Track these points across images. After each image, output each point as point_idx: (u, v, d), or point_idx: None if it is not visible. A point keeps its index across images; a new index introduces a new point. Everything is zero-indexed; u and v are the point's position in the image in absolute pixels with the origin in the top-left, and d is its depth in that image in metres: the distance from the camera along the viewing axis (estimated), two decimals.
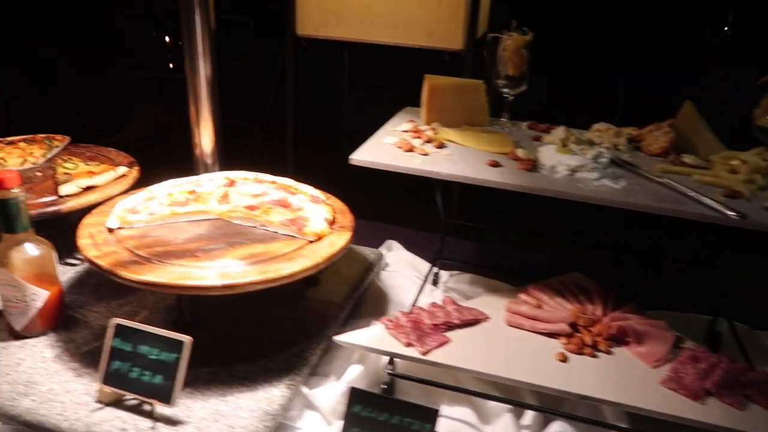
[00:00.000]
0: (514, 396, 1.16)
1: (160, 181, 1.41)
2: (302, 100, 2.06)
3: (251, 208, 1.30)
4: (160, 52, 2.33)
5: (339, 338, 1.17)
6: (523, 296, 1.31)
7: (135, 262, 1.12)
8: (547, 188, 1.15)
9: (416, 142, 1.32)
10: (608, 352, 1.17)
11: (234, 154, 1.63)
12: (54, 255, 1.21)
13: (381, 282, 1.56)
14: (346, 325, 1.36)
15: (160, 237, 1.22)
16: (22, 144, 1.67)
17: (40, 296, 1.18)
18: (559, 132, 1.38)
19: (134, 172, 1.57)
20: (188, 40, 1.49)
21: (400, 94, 1.94)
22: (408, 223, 1.81)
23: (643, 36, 1.66)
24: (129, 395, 1.04)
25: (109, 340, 1.05)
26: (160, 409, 1.02)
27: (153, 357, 1.03)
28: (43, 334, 1.22)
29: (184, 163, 1.61)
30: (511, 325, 1.24)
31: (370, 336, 1.18)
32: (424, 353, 1.14)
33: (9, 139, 1.70)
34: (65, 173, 1.45)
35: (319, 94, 2.07)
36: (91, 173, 1.48)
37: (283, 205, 1.33)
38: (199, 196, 1.36)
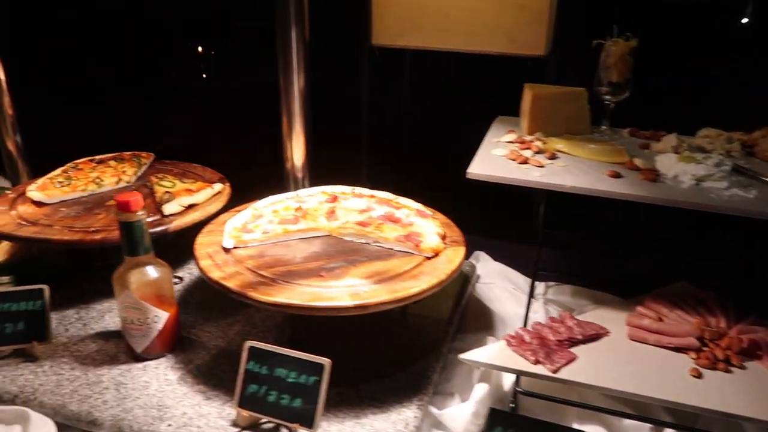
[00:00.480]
0: (644, 413, 1.13)
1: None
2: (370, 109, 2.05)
3: (362, 224, 1.29)
4: (194, 62, 2.32)
5: (464, 357, 1.15)
6: (641, 309, 1.28)
7: (262, 283, 1.11)
8: (680, 200, 1.11)
9: (527, 154, 1.30)
10: (742, 367, 1.14)
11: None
12: (171, 276, 1.20)
13: (478, 294, 1.54)
14: (455, 341, 1.34)
15: (278, 256, 1.21)
16: (112, 162, 1.67)
17: (161, 318, 1.18)
18: (671, 139, 1.34)
19: (227, 189, 1.56)
20: (283, 54, 1.49)
21: (470, 102, 1.93)
22: (485, 232, 1.79)
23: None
24: (266, 419, 1.03)
25: (243, 363, 1.04)
26: None
27: (291, 380, 1.01)
28: (162, 355, 1.22)
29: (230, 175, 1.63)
30: (634, 340, 1.21)
31: (494, 353, 1.15)
32: (555, 371, 1.11)
33: (98, 157, 1.70)
34: (166, 192, 1.45)
35: (388, 103, 2.05)
36: (190, 191, 1.48)
37: (393, 220, 1.31)
38: (306, 212, 1.34)
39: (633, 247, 1.58)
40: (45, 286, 1.21)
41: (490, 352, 1.16)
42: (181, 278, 1.51)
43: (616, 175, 1.20)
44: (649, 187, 1.16)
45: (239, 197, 1.52)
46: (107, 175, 1.57)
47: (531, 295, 1.47)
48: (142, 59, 2.28)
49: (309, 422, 0.99)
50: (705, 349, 1.17)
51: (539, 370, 1.12)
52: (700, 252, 1.56)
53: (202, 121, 2.29)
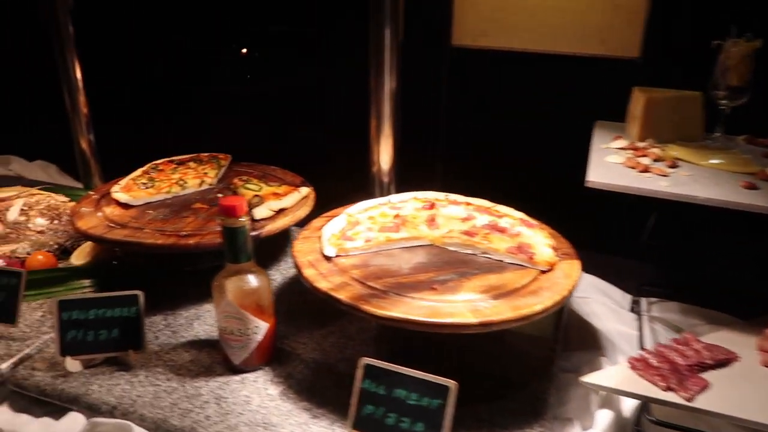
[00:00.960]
0: None
1: None
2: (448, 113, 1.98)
3: (468, 233, 1.21)
4: (237, 65, 2.28)
5: (586, 380, 1.07)
6: None
7: (373, 296, 1.04)
8: None
9: (646, 161, 1.21)
10: None
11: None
12: (271, 284, 1.14)
13: (575, 309, 1.45)
14: (561, 359, 1.25)
15: (383, 266, 1.14)
16: (191, 164, 1.63)
17: (261, 329, 1.12)
18: None
19: (312, 193, 1.50)
20: (376, 54, 1.43)
21: (556, 106, 1.83)
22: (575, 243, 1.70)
23: None
24: None
25: (358, 382, 0.97)
26: None
27: (412, 402, 0.94)
28: (260, 368, 1.16)
29: None
30: None
31: (619, 378, 1.07)
32: (689, 399, 1.02)
33: (178, 158, 1.66)
34: (255, 195, 1.39)
35: (467, 107, 1.97)
36: (278, 195, 1.42)
37: (499, 230, 1.24)
38: (405, 220, 1.28)
39: (747, 263, 1.48)
40: (140, 292, 1.16)
41: (614, 376, 1.08)
42: None
43: (752, 187, 1.11)
44: None
45: None
46: (189, 177, 1.52)
47: (638, 311, 1.38)
48: (188, 62, 2.24)
49: None
50: None
51: (671, 397, 1.03)
52: None
53: (248, 123, 2.25)
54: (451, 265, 1.15)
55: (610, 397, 1.12)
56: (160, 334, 1.27)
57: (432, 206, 1.34)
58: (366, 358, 0.98)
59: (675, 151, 1.25)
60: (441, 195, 1.42)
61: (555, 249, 1.20)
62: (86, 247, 1.50)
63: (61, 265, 1.49)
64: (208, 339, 1.26)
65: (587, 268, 1.60)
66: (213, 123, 2.27)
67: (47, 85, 2.32)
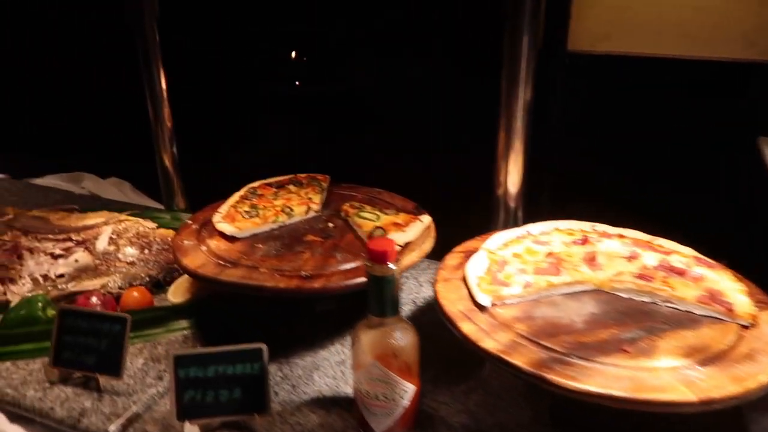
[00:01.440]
0: None
1: None
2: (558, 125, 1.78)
3: (643, 277, 1.03)
4: (287, 68, 2.13)
5: None
6: None
7: (555, 361, 0.87)
8: None
9: None
10: None
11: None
12: (419, 341, 0.98)
13: None
14: None
15: (551, 319, 0.97)
16: (291, 187, 1.48)
17: (408, 392, 0.95)
18: None
19: (431, 221, 1.33)
20: (510, 62, 1.26)
21: (688, 118, 1.63)
22: None
23: None
24: None
25: None
26: None
27: None
28: None
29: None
30: None
31: None
32: None
33: (275, 180, 1.51)
34: (377, 227, 1.23)
35: (582, 118, 1.77)
36: (399, 225, 1.26)
37: (676, 272, 1.05)
38: (561, 259, 1.10)
39: None
40: (263, 346, 1.01)
41: None
42: None
43: None
44: None
45: None
46: (294, 203, 1.37)
47: None
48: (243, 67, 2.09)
49: None
50: None
51: None
52: None
53: (299, 128, 2.10)
54: (631, 317, 0.97)
55: None
56: (278, 388, 1.12)
57: (585, 241, 1.16)
58: None
59: None
60: (586, 225, 1.25)
61: (749, 296, 1.00)
62: (183, 282, 1.37)
63: (156, 302, 1.35)
64: (334, 396, 1.10)
65: None
66: (275, 131, 2.13)
67: (119, 98, 2.23)
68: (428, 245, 1.24)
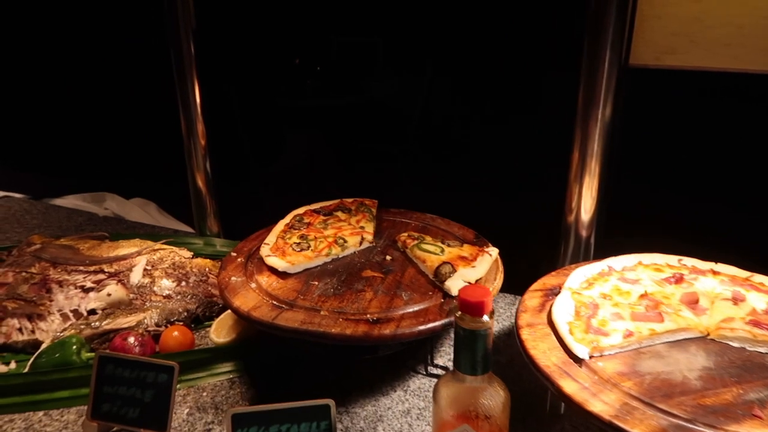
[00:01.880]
0: None
1: None
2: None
3: (756, 323, 0.91)
4: (304, 79, 2.02)
5: None
6: None
7: (679, 429, 0.75)
8: None
9: None
10: None
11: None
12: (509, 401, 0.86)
13: None
14: None
15: (660, 374, 0.85)
16: (340, 213, 1.37)
17: None
18: None
19: (497, 254, 1.22)
20: (590, 81, 1.16)
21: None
22: None
23: None
24: None
25: None
26: None
27: None
28: None
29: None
30: None
31: None
32: None
33: (320, 205, 1.41)
34: (444, 263, 1.12)
35: (644, 140, 1.65)
36: (466, 259, 1.15)
37: None
38: (658, 301, 0.98)
39: None
40: (331, 402, 0.90)
41: None
42: (448, 370, 1.18)
43: None
44: None
45: None
46: (346, 233, 1.27)
47: None
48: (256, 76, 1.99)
49: None
50: None
51: None
52: None
53: (313, 142, 2.00)
54: (752, 372, 0.86)
55: None
56: None
57: (680, 279, 1.05)
58: None
59: None
60: (672, 259, 1.13)
61: None
62: (227, 319, 1.26)
63: (196, 339, 1.25)
64: None
65: None
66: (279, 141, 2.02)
67: (141, 113, 2.13)
68: (499, 282, 1.13)
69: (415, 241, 1.22)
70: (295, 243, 1.22)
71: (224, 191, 1.77)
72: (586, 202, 1.23)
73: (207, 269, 1.41)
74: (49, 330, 1.26)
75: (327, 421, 0.90)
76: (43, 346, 1.19)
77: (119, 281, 1.34)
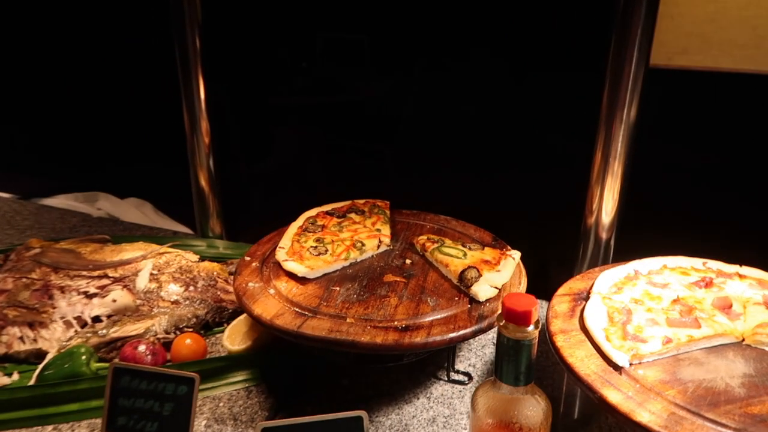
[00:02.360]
0: None
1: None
2: None
3: None
4: (293, 77, 1.99)
5: None
6: None
7: None
8: None
9: None
10: None
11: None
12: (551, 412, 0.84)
13: None
14: None
15: (701, 382, 0.84)
16: (353, 216, 1.34)
17: None
18: None
19: (519, 257, 1.20)
20: (614, 79, 1.14)
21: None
22: None
23: None
24: None
25: None
26: None
27: None
28: None
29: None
30: None
31: None
32: None
33: (332, 207, 1.37)
34: (470, 267, 1.09)
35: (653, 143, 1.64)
36: (489, 263, 1.12)
37: None
38: (690, 306, 0.97)
39: None
40: (363, 414, 0.87)
41: None
42: (470, 377, 1.16)
43: None
44: None
45: None
46: (363, 236, 1.23)
47: None
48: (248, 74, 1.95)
49: None
50: None
51: None
52: None
53: (302, 141, 1.97)
54: None
55: None
56: None
57: (709, 283, 1.03)
58: None
59: None
60: (697, 262, 1.12)
61: None
62: (240, 325, 1.22)
63: (208, 348, 1.21)
64: None
65: None
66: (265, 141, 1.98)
67: (132, 110, 2.07)
68: (524, 287, 1.11)
69: (435, 245, 1.19)
70: (312, 247, 1.18)
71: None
72: (608, 204, 1.22)
73: (215, 273, 1.37)
74: (52, 338, 1.21)
75: None
76: (49, 356, 1.13)
77: (125, 286, 1.29)
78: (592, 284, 1.07)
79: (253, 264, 1.18)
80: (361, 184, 1.78)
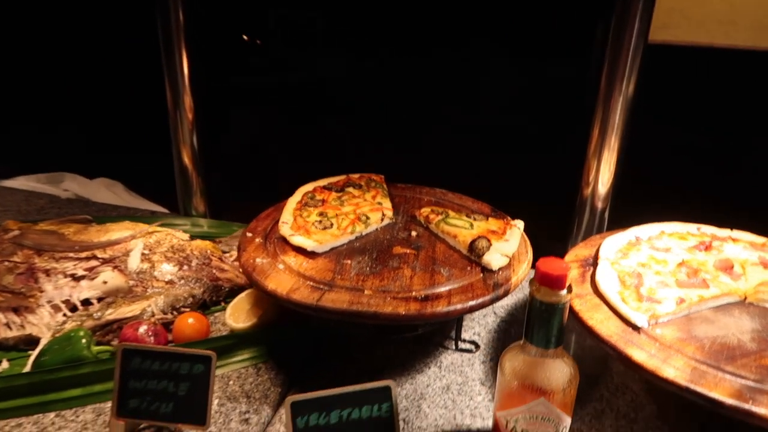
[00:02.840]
0: None
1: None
2: None
3: None
4: (249, 56, 1.97)
5: None
6: None
7: (753, 390, 0.78)
8: None
9: None
10: None
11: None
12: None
13: None
14: None
15: (716, 338, 0.88)
16: (352, 190, 1.32)
17: (567, 428, 0.84)
18: None
19: (522, 225, 1.22)
20: (613, 54, 1.16)
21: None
22: None
23: None
24: None
25: None
26: None
27: None
28: None
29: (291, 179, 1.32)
30: None
31: None
32: None
33: (328, 182, 1.34)
34: (480, 237, 1.10)
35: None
36: (496, 233, 1.13)
37: None
38: (695, 268, 1.01)
39: None
40: (391, 383, 0.87)
41: None
42: (477, 345, 1.18)
43: None
44: None
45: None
46: (366, 209, 1.22)
47: None
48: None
49: None
50: None
51: None
52: None
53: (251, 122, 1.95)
54: None
55: None
56: None
57: (708, 247, 1.08)
58: None
59: None
60: (692, 227, 1.17)
61: None
62: (243, 303, 1.19)
63: (211, 325, 1.17)
64: (455, 431, 0.97)
65: None
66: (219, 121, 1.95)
67: (97, 85, 1.97)
68: (530, 255, 1.13)
69: (439, 216, 1.19)
70: (316, 221, 1.16)
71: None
72: (604, 176, 1.25)
73: (208, 251, 1.33)
74: (41, 324, 1.14)
75: (388, 403, 0.86)
76: (43, 341, 1.07)
77: (115, 267, 1.24)
78: (597, 251, 1.10)
79: (257, 240, 1.15)
80: (327, 161, 1.75)
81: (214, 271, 1.29)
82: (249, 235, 1.17)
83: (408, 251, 1.12)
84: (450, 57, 1.73)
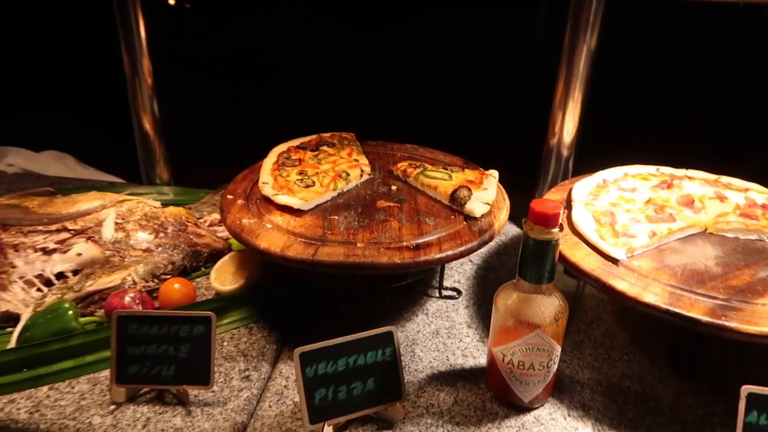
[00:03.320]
0: None
1: None
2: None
3: (747, 215, 1.06)
4: (176, 20, 1.94)
5: None
6: None
7: (724, 308, 0.87)
8: None
9: None
10: None
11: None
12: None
13: None
14: None
15: (686, 266, 0.96)
16: (327, 148, 1.32)
17: (559, 356, 0.91)
18: None
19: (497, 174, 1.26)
20: (575, 9, 1.20)
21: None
22: None
23: None
24: None
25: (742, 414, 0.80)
26: None
27: None
28: (545, 402, 0.96)
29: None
30: None
31: None
32: None
33: (301, 141, 1.34)
34: (462, 187, 1.13)
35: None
36: (474, 183, 1.17)
37: (764, 207, 1.09)
38: (660, 205, 1.09)
39: None
40: (393, 328, 0.90)
41: None
42: (459, 292, 1.23)
43: None
44: None
45: None
46: (344, 166, 1.23)
47: None
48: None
49: None
50: None
51: None
52: None
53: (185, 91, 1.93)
54: (753, 255, 1.01)
55: None
56: None
57: (670, 185, 1.16)
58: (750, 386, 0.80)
59: None
60: (651, 169, 1.26)
61: None
62: (227, 266, 1.18)
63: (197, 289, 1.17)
64: (450, 370, 1.03)
65: None
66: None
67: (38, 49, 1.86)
68: (508, 202, 1.18)
69: (418, 170, 1.22)
70: (297, 180, 1.17)
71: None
72: (569, 126, 1.30)
73: (183, 218, 1.31)
74: (15, 300, 1.10)
75: (391, 347, 0.90)
76: (25, 317, 1.04)
77: (89, 238, 1.20)
78: (569, 194, 1.16)
79: (239, 201, 1.14)
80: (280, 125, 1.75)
81: (191, 236, 1.28)
82: (230, 197, 1.16)
83: (392, 204, 1.14)
84: (400, 15, 1.74)
